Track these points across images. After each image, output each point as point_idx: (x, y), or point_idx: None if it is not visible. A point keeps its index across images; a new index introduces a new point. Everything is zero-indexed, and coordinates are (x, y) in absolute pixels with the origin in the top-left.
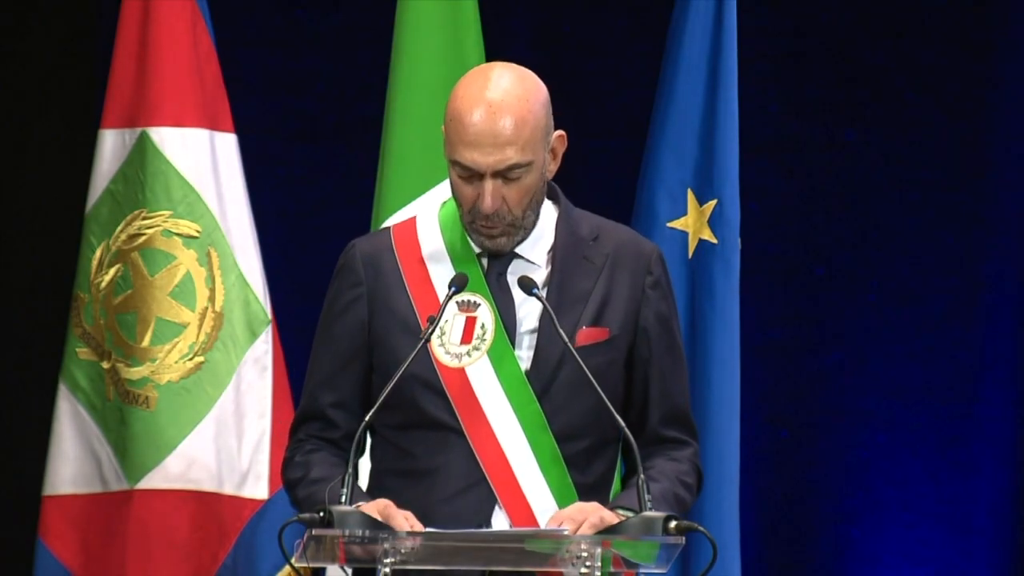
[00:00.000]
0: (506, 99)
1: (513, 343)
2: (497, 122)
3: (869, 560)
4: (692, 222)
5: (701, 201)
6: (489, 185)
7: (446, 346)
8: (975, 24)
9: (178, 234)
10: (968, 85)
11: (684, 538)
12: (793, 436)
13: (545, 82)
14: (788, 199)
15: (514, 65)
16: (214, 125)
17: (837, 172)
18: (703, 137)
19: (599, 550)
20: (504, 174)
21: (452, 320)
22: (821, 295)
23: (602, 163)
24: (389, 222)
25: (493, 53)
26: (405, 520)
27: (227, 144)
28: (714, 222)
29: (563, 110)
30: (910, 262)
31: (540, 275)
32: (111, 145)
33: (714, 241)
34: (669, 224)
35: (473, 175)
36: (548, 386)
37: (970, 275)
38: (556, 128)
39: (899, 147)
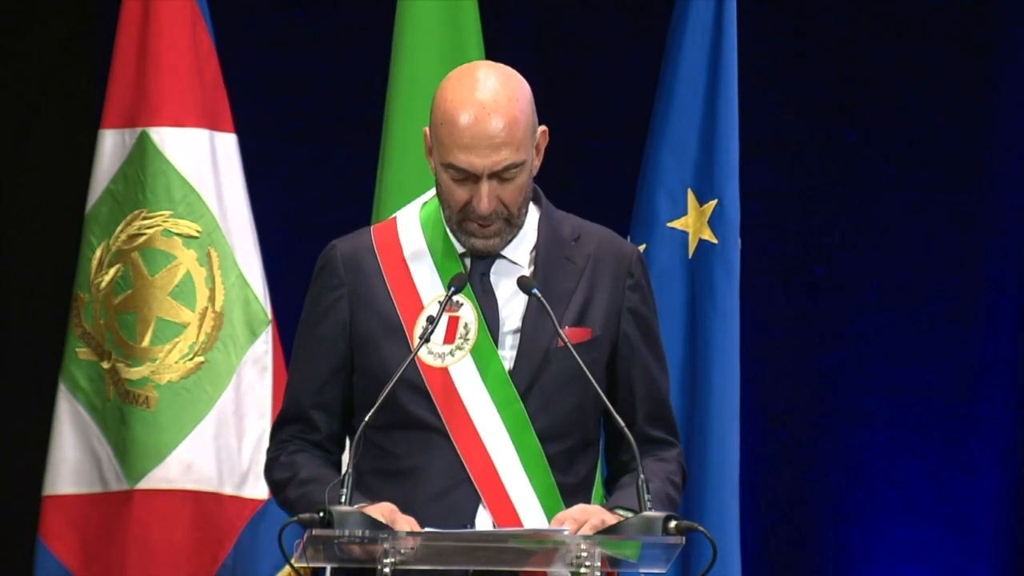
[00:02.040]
0: (497, 99)
1: (496, 343)
2: (491, 124)
3: (869, 560)
4: (692, 222)
5: (701, 201)
6: (485, 187)
7: (429, 346)
8: (975, 24)
9: (178, 234)
10: (968, 85)
11: (684, 538)
12: (793, 436)
13: (545, 82)
14: (788, 199)
15: (496, 64)
16: (214, 125)
17: (837, 172)
18: (703, 137)
19: (599, 550)
20: (500, 174)
21: (430, 326)
22: (821, 295)
23: (602, 163)
24: None
25: (493, 53)
26: (408, 525)
27: (227, 144)
28: (714, 222)
29: (563, 110)
30: (910, 262)
31: (521, 274)
32: (111, 145)
33: (714, 241)
34: (669, 224)
35: (467, 177)
36: (531, 386)
37: (970, 275)
38: (541, 124)
39: (899, 147)
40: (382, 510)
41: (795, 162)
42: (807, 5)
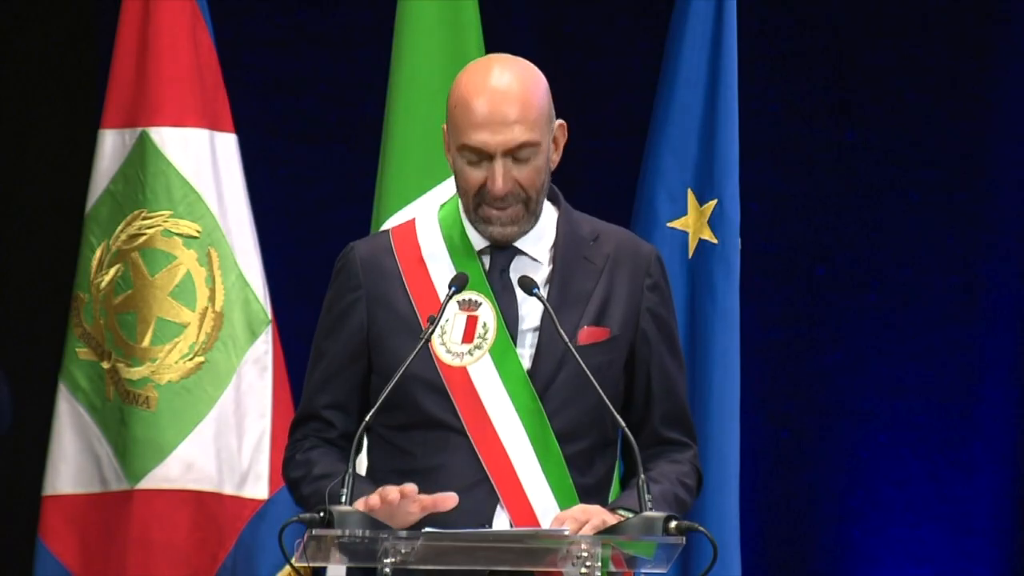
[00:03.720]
0: (511, 83)
1: (515, 341)
2: (503, 103)
3: (869, 560)
4: (692, 222)
5: (701, 201)
6: (499, 165)
7: (447, 345)
8: (975, 24)
9: (178, 234)
10: (968, 85)
11: (684, 538)
12: (793, 436)
13: (547, 81)
14: (788, 199)
15: (514, 57)
16: (214, 125)
17: (837, 172)
18: (703, 137)
19: (599, 550)
20: (514, 153)
21: (453, 319)
22: (821, 295)
23: (602, 163)
24: (389, 223)
25: (493, 53)
26: (398, 493)
27: (227, 144)
28: (714, 222)
29: (563, 110)
30: (910, 262)
31: (542, 273)
32: (111, 145)
33: (714, 241)
34: (669, 224)
35: (482, 158)
36: (549, 385)
37: (970, 275)
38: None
39: (899, 147)
40: (380, 494)
41: (795, 162)
42: (807, 5)
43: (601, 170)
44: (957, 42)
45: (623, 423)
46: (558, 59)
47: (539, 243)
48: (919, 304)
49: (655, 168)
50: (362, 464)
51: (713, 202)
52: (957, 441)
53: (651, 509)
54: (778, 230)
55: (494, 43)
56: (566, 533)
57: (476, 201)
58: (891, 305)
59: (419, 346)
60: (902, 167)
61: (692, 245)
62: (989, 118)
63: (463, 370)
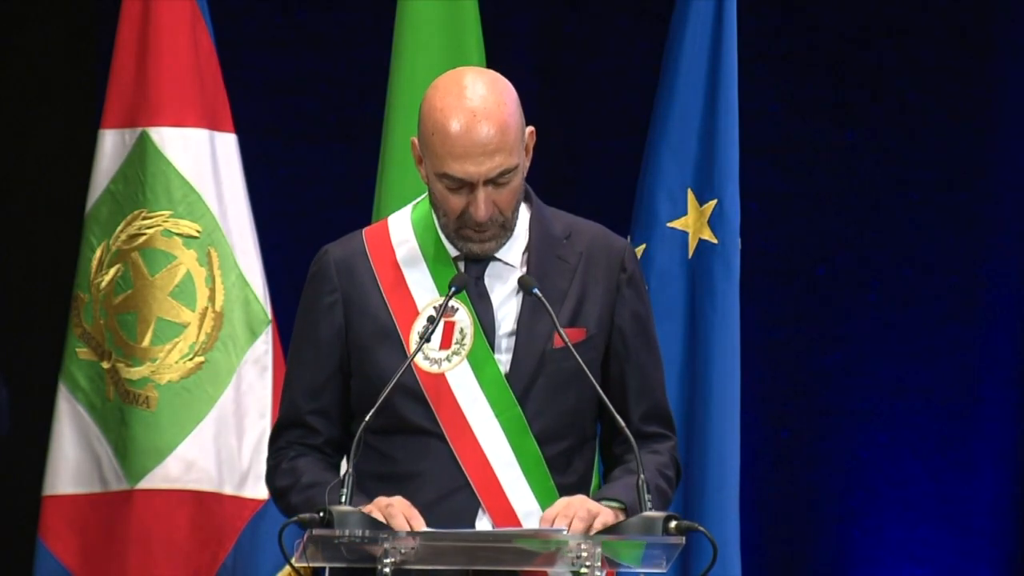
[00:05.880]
0: (486, 106)
1: (492, 347)
2: (483, 131)
3: (869, 560)
4: (692, 222)
5: (701, 201)
6: (482, 193)
7: (425, 352)
8: (975, 24)
9: (178, 234)
10: (968, 85)
11: (684, 538)
12: (793, 436)
13: (545, 82)
14: (788, 199)
15: (481, 69)
16: (214, 125)
17: (837, 172)
18: (703, 137)
19: (598, 550)
20: (495, 180)
21: (430, 326)
22: (821, 295)
23: (602, 163)
24: None
25: (493, 53)
26: (398, 509)
27: (227, 144)
28: (714, 222)
29: (563, 110)
30: (910, 262)
31: (516, 276)
32: (111, 145)
33: (714, 241)
34: (669, 224)
35: (463, 186)
36: (528, 389)
37: (970, 275)
38: (537, 125)
39: (899, 147)
40: (377, 505)
41: (795, 162)
42: (807, 5)
43: (601, 170)
44: (957, 42)
45: (622, 423)
46: (558, 59)
47: (513, 247)
48: (919, 304)
49: (655, 168)
50: (344, 468)
51: (713, 202)
52: (957, 441)
53: (650, 509)
54: (778, 230)
55: (493, 43)
56: (564, 532)
57: (457, 224)
58: (891, 305)
59: (418, 348)
60: (902, 167)
61: (692, 245)
62: (989, 118)
63: (441, 376)
